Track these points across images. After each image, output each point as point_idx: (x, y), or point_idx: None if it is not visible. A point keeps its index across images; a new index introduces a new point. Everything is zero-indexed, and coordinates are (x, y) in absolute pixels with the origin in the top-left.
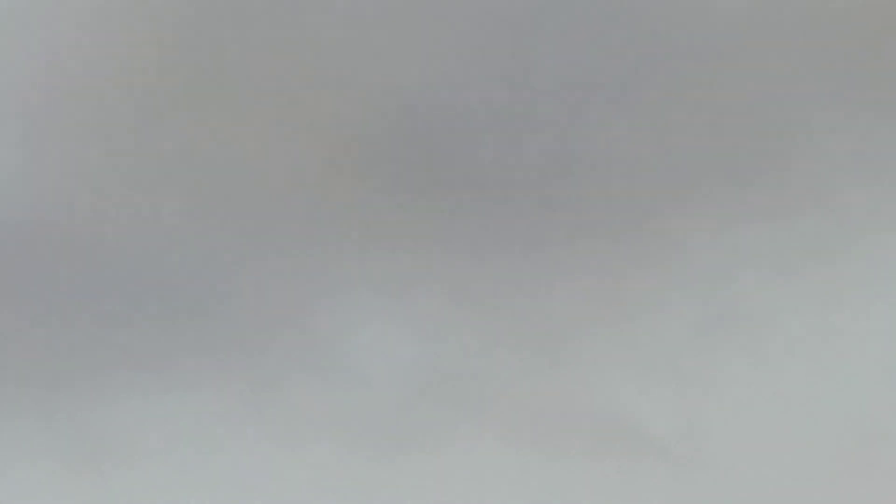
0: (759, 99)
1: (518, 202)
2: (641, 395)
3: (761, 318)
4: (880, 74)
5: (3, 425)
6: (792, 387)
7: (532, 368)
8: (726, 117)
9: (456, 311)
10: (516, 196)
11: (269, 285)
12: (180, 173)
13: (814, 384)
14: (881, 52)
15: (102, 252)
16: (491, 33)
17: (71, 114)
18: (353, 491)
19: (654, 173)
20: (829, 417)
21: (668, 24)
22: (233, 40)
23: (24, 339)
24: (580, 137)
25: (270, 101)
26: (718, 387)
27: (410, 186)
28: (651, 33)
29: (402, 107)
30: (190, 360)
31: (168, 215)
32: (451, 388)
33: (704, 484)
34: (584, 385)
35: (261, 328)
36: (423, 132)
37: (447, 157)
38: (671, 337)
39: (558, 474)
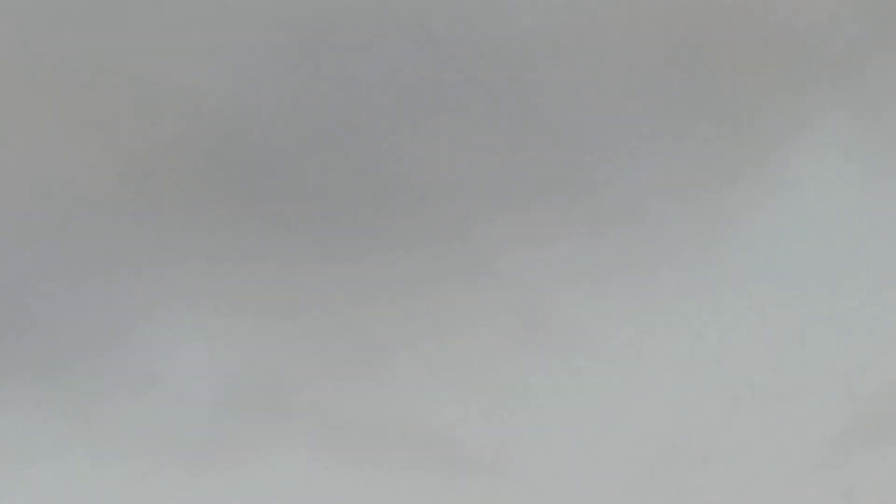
0: (572, 114)
1: (334, 215)
2: (455, 407)
3: (573, 331)
4: (690, 86)
5: None
6: (603, 400)
7: (348, 381)
8: (540, 132)
9: (272, 325)
10: (333, 209)
11: (80, 302)
12: None
13: (625, 397)
14: (691, 65)
15: None
16: (306, 37)
17: None
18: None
19: (470, 187)
20: (638, 430)
21: (482, 37)
22: (12, 42)
23: None
24: (397, 149)
25: (61, 110)
26: (531, 400)
27: (221, 199)
28: (464, 48)
29: (212, 114)
30: (4, 377)
31: None
32: (268, 402)
33: (517, 496)
34: (398, 397)
35: (74, 346)
36: (233, 141)
37: (260, 168)
38: (484, 350)
39: (372, 486)
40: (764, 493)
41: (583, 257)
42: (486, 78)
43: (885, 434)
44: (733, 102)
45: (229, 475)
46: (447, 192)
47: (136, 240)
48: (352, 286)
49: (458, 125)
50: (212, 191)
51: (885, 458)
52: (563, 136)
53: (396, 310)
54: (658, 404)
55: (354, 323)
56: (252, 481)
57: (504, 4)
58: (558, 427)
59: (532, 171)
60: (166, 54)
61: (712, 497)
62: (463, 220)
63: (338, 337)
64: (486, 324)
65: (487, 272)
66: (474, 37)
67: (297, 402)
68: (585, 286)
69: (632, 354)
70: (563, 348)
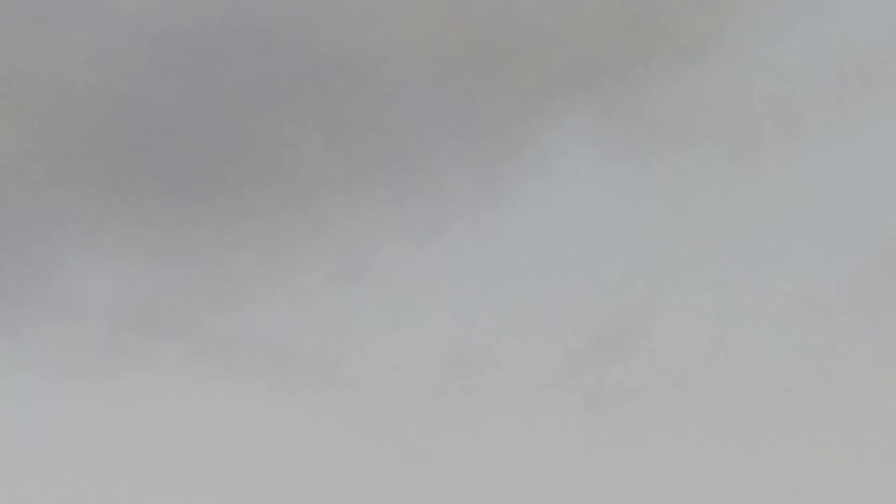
0: (393, 111)
1: (211, 181)
2: (301, 326)
3: (389, 271)
4: (477, 89)
5: None
6: (407, 320)
7: (214, 303)
8: (369, 125)
9: (158, 261)
10: (209, 178)
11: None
12: None
13: (423, 318)
14: (476, 74)
15: None
16: (183, 45)
17: None
18: (66, 411)
19: (314, 165)
20: (432, 343)
21: (325, 47)
22: None
23: None
24: (255, 134)
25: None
26: (357, 321)
27: (123, 170)
28: (310, 55)
29: (114, 110)
30: None
31: None
32: (152, 321)
33: (346, 394)
34: (256, 319)
35: None
36: (129, 126)
37: (148, 146)
38: (324, 284)
39: (233, 392)
40: (524, 395)
41: (399, 219)
42: (326, 78)
43: (622, 349)
44: (507, 104)
45: (121, 384)
46: (295, 168)
47: (51, 200)
48: (222, 233)
49: (304, 117)
50: (117, 164)
51: (623, 370)
52: (387, 130)
53: (257, 253)
54: (448, 322)
55: (223, 261)
56: (141, 388)
57: (342, 23)
58: (376, 342)
59: (362, 154)
60: (77, 59)
61: (488, 394)
62: (309, 189)
63: (209, 272)
64: (324, 265)
65: (325, 227)
66: (318, 46)
67: (176, 321)
68: (399, 239)
69: (431, 287)
70: (381, 283)
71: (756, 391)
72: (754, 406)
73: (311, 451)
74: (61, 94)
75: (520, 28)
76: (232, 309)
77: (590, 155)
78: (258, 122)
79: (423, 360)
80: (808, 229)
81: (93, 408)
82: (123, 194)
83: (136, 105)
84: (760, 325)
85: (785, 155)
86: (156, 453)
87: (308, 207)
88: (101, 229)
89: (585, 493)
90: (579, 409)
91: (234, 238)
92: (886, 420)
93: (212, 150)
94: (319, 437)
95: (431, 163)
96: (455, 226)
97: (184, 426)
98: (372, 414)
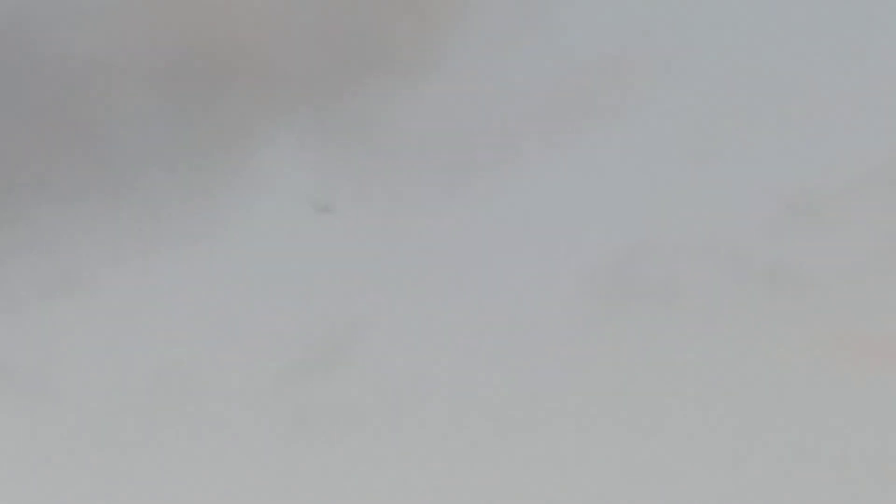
0: (112, 124)
1: None
2: (7, 339)
3: (97, 286)
4: (194, 106)
5: None
6: (118, 333)
7: None
8: (82, 138)
9: None
10: None
11: None
12: None
13: (134, 331)
14: (194, 91)
15: None
16: None
17: None
18: None
19: (24, 176)
20: (149, 360)
21: (50, 63)
22: None
23: None
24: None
25: None
26: (67, 336)
27: None
28: (32, 69)
29: None
30: None
31: None
32: None
33: (56, 415)
34: None
35: None
36: None
37: None
38: (31, 297)
39: None
40: (232, 415)
41: (114, 235)
42: (40, 86)
43: (332, 366)
44: (224, 119)
45: None
46: (9, 180)
47: None
48: None
49: (19, 127)
50: None
51: (334, 388)
52: (102, 144)
53: None
54: (159, 340)
55: None
56: None
57: (59, 29)
58: (87, 358)
59: (77, 168)
60: None
61: (197, 413)
62: (22, 202)
63: None
64: (37, 279)
65: (38, 241)
66: (35, 53)
67: None
68: (114, 256)
69: (144, 304)
70: (94, 300)
71: (469, 410)
72: (468, 425)
73: (16, 465)
74: None
75: (238, 43)
76: None
77: (305, 173)
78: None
79: (134, 377)
80: (522, 250)
81: None
82: None
83: None
84: (472, 343)
85: (499, 176)
86: None
87: (21, 221)
88: None
89: None
90: (288, 427)
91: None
92: (594, 438)
93: None
94: (25, 452)
95: (147, 178)
96: (169, 243)
97: None
98: (80, 431)
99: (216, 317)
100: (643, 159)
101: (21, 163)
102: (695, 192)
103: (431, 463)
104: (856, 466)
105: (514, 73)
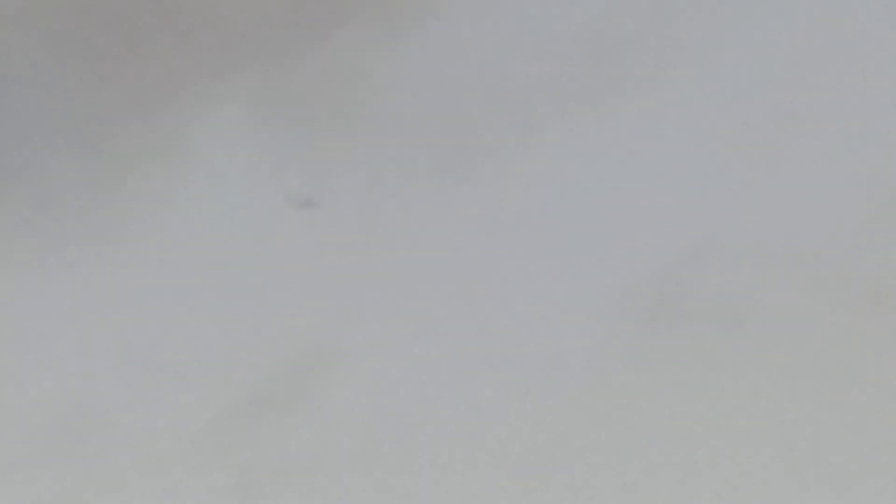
0: None
1: None
2: None
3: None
4: (104, 74)
5: None
6: (4, 369)
7: None
8: None
9: None
10: None
11: None
12: None
13: (15, 367)
14: (103, 52)
15: None
16: None
17: None
18: None
19: None
20: (52, 399)
21: None
22: None
23: None
24: None
25: None
26: None
27: None
28: None
29: None
30: None
31: None
32: None
33: None
34: None
35: None
36: None
37: None
38: None
39: None
40: (157, 469)
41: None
42: None
43: (277, 412)
44: (145, 91)
45: None
46: None
47: None
48: None
49: None
50: None
51: (278, 437)
52: None
53: None
54: (60, 371)
55: None
56: None
57: None
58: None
59: None
60: None
61: (109, 467)
62: None
63: None
64: None
65: None
66: None
67: None
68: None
69: (38, 325)
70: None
71: (470, 464)
72: (472, 481)
73: None
74: None
75: None
76: None
77: (247, 152)
78: None
79: (27, 418)
80: (543, 257)
81: None
82: None
83: None
84: (479, 382)
85: (512, 160)
86: None
87: None
88: None
89: None
90: (230, 489)
91: None
92: (638, 497)
93: None
94: None
95: (44, 163)
96: (68, 246)
97: None
98: None
99: (133, 339)
100: (697, 139)
101: None
102: (765, 182)
103: None
104: None
105: (533, 23)
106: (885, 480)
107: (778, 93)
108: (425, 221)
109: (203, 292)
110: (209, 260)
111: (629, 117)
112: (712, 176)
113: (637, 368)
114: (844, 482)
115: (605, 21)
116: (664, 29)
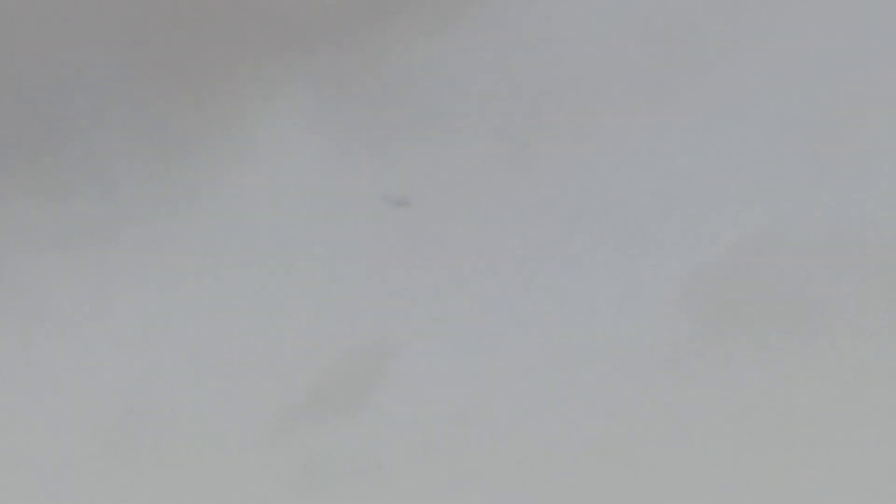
0: (39, 75)
1: None
2: None
3: (35, 295)
4: (166, 57)
5: None
6: (63, 364)
7: None
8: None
9: None
10: None
11: None
12: None
13: (87, 360)
14: (169, 34)
15: None
16: None
17: None
18: None
19: None
20: (101, 393)
21: None
22: None
23: None
24: None
25: None
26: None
27: None
28: None
29: None
30: None
31: None
32: None
33: None
34: None
35: None
36: None
37: None
38: None
39: None
40: (222, 464)
41: (46, 221)
42: None
43: (341, 408)
44: (197, 70)
45: None
46: None
47: None
48: None
49: None
50: None
51: (342, 432)
52: (26, 98)
53: None
54: (119, 366)
55: None
56: None
57: None
58: (25, 388)
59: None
60: None
61: (176, 460)
62: None
63: None
64: None
65: None
66: None
67: None
68: (48, 250)
69: (95, 318)
70: (25, 311)
71: (524, 461)
72: (520, 480)
73: None
74: None
75: None
76: None
77: (311, 139)
78: None
79: (97, 412)
80: (603, 251)
81: None
82: None
83: None
84: (537, 377)
85: (570, 154)
86: None
87: None
88: None
89: None
90: (295, 483)
91: None
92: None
93: None
94: None
95: (97, 154)
96: (132, 240)
97: None
98: (25, 482)
99: (195, 338)
100: (760, 126)
101: None
102: (832, 174)
103: None
104: None
105: (592, 13)
106: None
107: (844, 86)
108: (488, 214)
109: (270, 287)
110: (268, 255)
111: (689, 110)
112: (779, 167)
113: (699, 365)
114: None
115: (665, 12)
116: (728, 21)
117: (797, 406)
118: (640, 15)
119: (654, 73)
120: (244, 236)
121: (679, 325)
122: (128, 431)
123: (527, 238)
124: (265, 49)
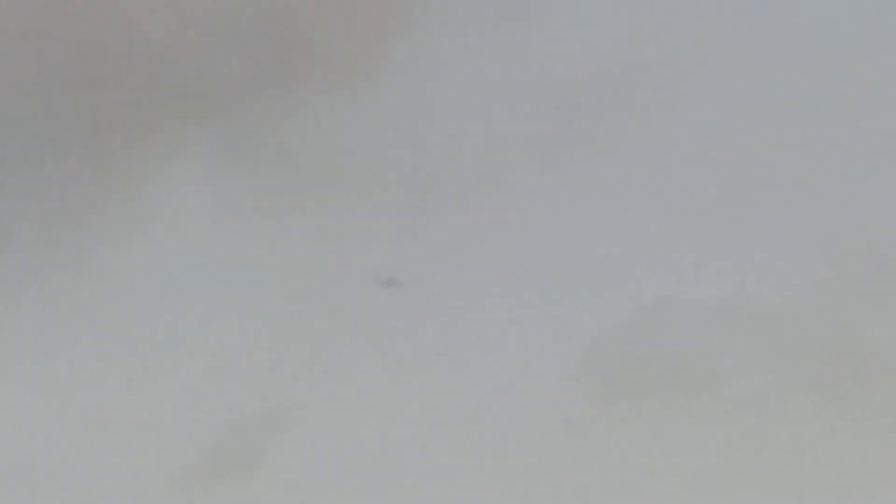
0: None
1: None
2: None
3: None
4: (59, 120)
5: None
6: None
7: None
8: None
9: None
10: None
11: None
12: None
13: None
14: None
15: None
16: None
17: None
18: None
19: None
20: None
21: None
22: None
23: None
24: None
25: None
26: None
27: None
28: None
29: None
30: None
31: None
32: None
33: None
34: None
35: None
36: None
37: None
38: None
39: None
40: None
41: None
42: None
43: (248, 469)
44: (95, 134)
45: None
46: None
47: None
48: None
49: None
50: None
51: (249, 500)
52: None
53: None
54: (12, 430)
55: None
56: None
57: None
58: None
59: None
60: None
61: None
62: None
63: None
64: None
65: None
66: None
67: None
68: None
69: None
70: None
71: None
72: None
73: None
74: None
75: (123, 36)
76: None
77: (206, 202)
78: None
79: None
80: (500, 318)
81: None
82: None
83: None
84: (431, 442)
85: (470, 210)
86: None
87: None
88: None
89: None
90: None
91: None
92: None
93: None
94: None
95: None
96: (23, 298)
97: None
98: None
99: (90, 400)
100: (661, 191)
101: None
102: (732, 235)
103: None
104: None
105: (490, 73)
106: None
107: (738, 156)
108: (383, 277)
109: (165, 350)
110: (167, 316)
111: (587, 178)
112: (674, 237)
113: (599, 431)
114: None
115: (567, 80)
116: (630, 91)
117: (690, 469)
118: (542, 82)
119: (554, 142)
120: (140, 298)
121: (576, 391)
122: (19, 494)
123: (422, 302)
124: (163, 113)
